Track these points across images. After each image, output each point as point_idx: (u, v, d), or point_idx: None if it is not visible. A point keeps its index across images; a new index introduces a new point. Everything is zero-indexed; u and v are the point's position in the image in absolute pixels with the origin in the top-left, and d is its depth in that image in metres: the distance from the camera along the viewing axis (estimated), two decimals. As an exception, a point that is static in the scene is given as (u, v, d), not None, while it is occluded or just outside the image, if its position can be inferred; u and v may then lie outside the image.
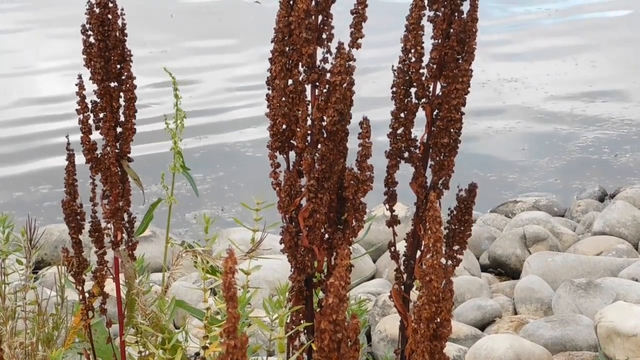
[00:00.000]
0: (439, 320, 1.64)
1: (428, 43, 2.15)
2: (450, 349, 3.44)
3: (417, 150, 2.19)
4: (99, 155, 2.28)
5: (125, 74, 2.27)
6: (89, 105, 2.27)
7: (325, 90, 2.09)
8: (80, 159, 2.28)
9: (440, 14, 2.15)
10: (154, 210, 2.64)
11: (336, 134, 2.09)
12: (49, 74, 8.59)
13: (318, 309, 2.21)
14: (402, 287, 2.24)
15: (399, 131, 2.18)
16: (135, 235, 2.35)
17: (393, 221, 2.22)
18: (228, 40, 9.60)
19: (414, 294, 1.94)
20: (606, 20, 10.49)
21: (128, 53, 2.28)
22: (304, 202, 2.15)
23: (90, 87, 2.28)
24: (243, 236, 4.03)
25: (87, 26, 2.25)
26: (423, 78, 2.16)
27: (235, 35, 9.74)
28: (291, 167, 2.17)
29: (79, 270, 2.33)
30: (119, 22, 2.27)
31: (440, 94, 2.16)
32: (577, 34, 9.80)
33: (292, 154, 2.17)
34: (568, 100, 7.68)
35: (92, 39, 2.25)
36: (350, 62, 2.06)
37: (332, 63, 2.08)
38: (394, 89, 2.17)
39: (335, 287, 1.32)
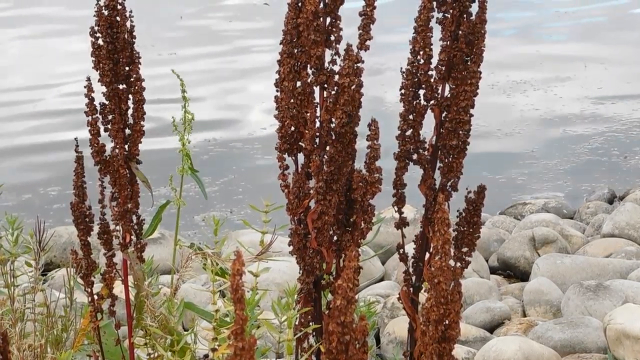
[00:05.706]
0: (447, 322, 1.64)
1: (437, 45, 2.15)
2: (459, 351, 3.43)
3: (426, 152, 2.18)
4: (108, 157, 2.28)
5: (134, 75, 2.27)
6: (98, 107, 2.27)
7: (333, 92, 2.09)
8: (89, 161, 2.28)
9: (449, 15, 2.14)
10: (163, 213, 2.64)
11: (344, 136, 2.08)
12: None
13: (326, 311, 2.21)
14: (411, 289, 2.24)
15: (408, 133, 2.18)
16: (143, 237, 2.35)
17: (401, 223, 2.22)
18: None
19: (422, 296, 1.93)
20: (613, 22, 10.47)
21: (137, 55, 2.28)
22: (312, 204, 2.15)
23: (99, 90, 2.28)
24: (252, 238, 4.02)
25: (96, 28, 2.25)
26: (432, 80, 2.16)
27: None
28: (299, 169, 2.17)
29: (87, 272, 2.33)
30: (128, 24, 2.27)
31: (448, 95, 2.16)
32: (585, 36, 9.78)
33: (300, 156, 2.17)
34: (577, 102, 7.67)
35: (100, 41, 2.26)
36: (359, 64, 2.05)
37: (340, 65, 2.08)
38: (403, 90, 2.17)
39: (343, 289, 1.32)
